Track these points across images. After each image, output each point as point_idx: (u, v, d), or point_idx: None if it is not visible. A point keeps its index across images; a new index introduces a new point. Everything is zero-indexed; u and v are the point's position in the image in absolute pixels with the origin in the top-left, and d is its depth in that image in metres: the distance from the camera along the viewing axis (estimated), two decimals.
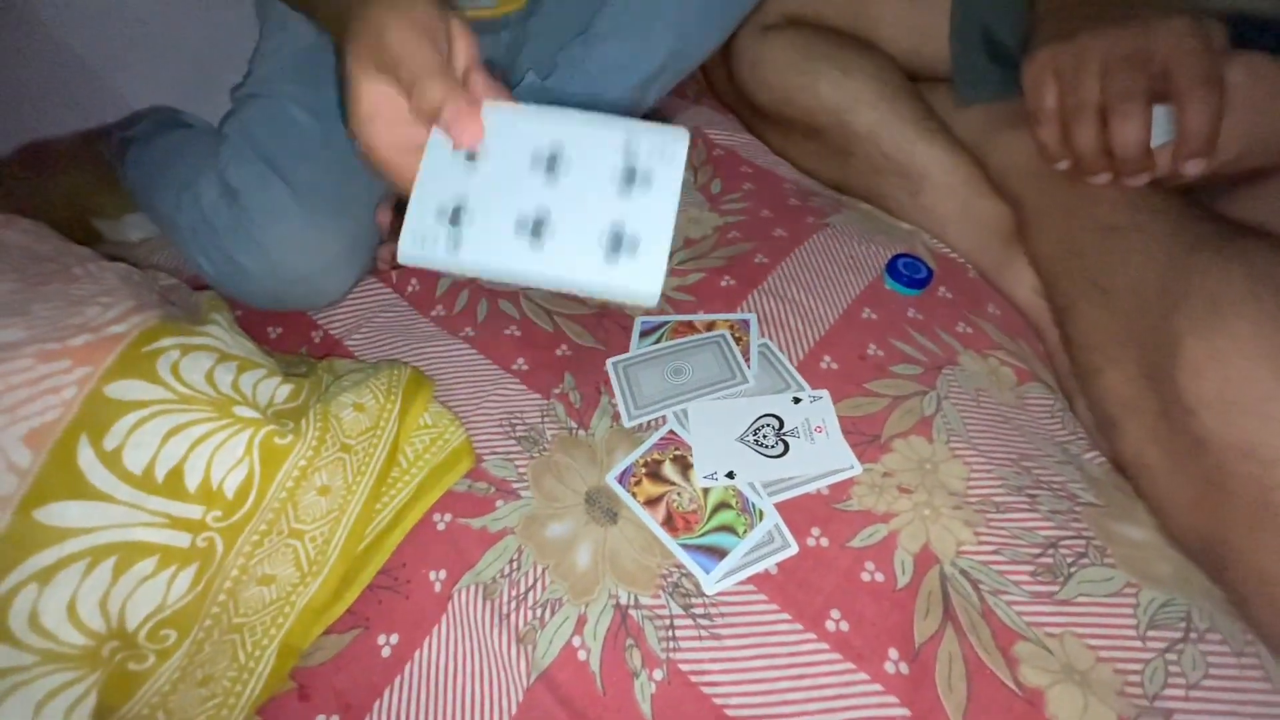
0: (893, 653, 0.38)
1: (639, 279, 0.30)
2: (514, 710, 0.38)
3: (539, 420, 0.49)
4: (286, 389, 0.39)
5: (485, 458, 0.47)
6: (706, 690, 0.37)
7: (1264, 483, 0.34)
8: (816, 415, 0.48)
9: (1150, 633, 0.38)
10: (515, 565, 0.42)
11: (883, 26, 0.64)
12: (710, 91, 0.80)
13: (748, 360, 0.51)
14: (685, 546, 0.42)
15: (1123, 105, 0.44)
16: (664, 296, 0.56)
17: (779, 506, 0.44)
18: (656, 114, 0.74)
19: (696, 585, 0.41)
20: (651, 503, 0.44)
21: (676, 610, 0.40)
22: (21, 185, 0.65)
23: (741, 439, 0.46)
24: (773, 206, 0.65)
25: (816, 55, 0.64)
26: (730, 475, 0.44)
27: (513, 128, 0.32)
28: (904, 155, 0.60)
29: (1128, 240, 0.46)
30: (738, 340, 0.52)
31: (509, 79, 0.69)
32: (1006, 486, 0.44)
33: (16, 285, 0.36)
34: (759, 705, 0.37)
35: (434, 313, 0.57)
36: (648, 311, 0.55)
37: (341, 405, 0.40)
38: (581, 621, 0.40)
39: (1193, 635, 0.37)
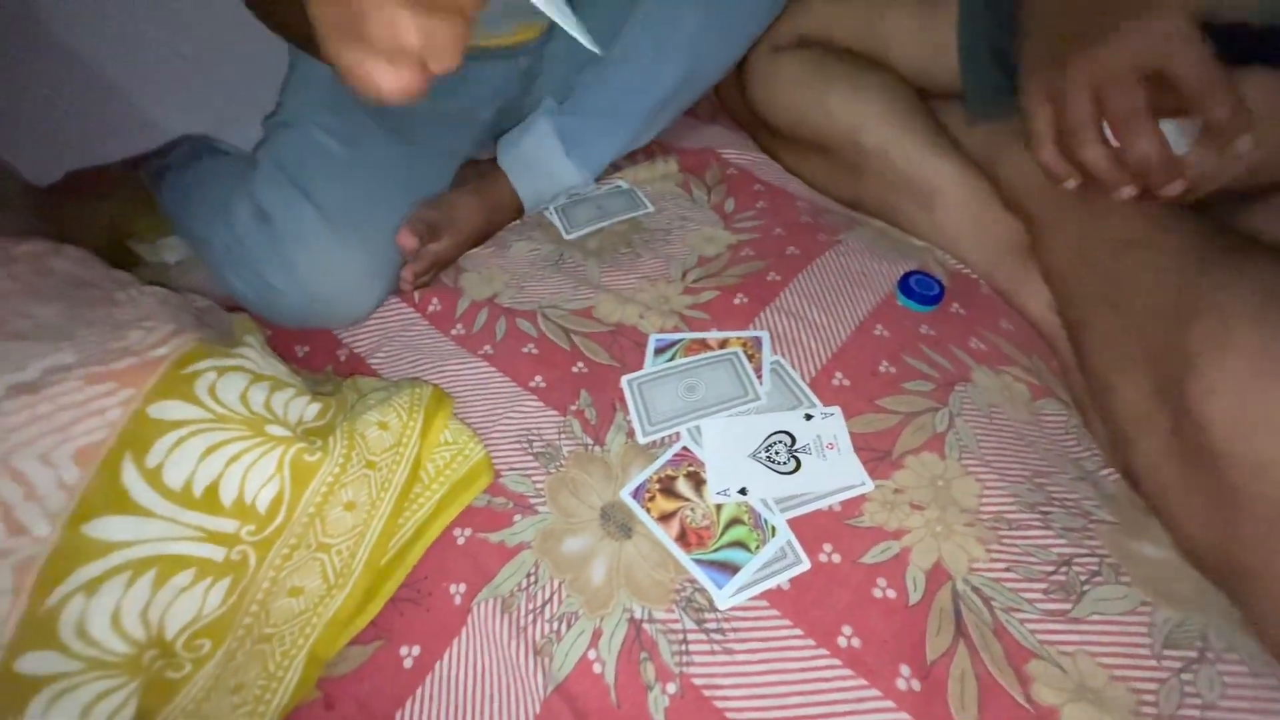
0: (904, 669, 0.38)
1: None
2: None
3: (556, 436, 0.50)
4: (315, 408, 0.41)
5: (503, 473, 0.48)
6: (719, 704, 0.38)
7: (1276, 501, 0.34)
8: (828, 432, 0.48)
9: (1166, 652, 0.37)
10: (532, 579, 0.43)
11: (892, 45, 0.65)
12: (723, 110, 0.82)
13: (760, 377, 0.52)
14: (698, 562, 0.43)
15: (1128, 124, 0.44)
16: (678, 314, 0.57)
17: (791, 522, 0.44)
18: (671, 133, 0.76)
19: (709, 600, 0.41)
20: (665, 518, 0.45)
21: (690, 625, 0.41)
22: (66, 211, 0.68)
23: (754, 455, 0.47)
24: (785, 224, 0.66)
25: (828, 74, 0.65)
26: (743, 491, 0.45)
27: None
28: (916, 171, 0.61)
29: (1140, 256, 0.46)
30: (750, 357, 0.53)
31: (524, 103, 0.71)
32: (1020, 503, 0.44)
33: (64, 310, 0.39)
34: None
35: (454, 331, 0.58)
36: (662, 329, 0.56)
37: (367, 424, 0.42)
38: (597, 635, 0.41)
39: (1209, 655, 0.37)
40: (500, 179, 0.67)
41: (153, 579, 0.32)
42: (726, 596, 0.41)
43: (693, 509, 0.45)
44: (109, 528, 0.31)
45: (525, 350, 0.56)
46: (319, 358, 0.58)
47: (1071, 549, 0.42)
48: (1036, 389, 0.52)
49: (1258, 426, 0.35)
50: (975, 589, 0.41)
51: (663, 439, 0.49)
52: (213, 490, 0.34)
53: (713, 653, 0.40)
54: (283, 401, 0.39)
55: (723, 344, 0.55)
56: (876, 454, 0.47)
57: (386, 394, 0.46)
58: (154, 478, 0.33)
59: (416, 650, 0.42)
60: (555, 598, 0.42)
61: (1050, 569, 0.41)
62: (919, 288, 0.57)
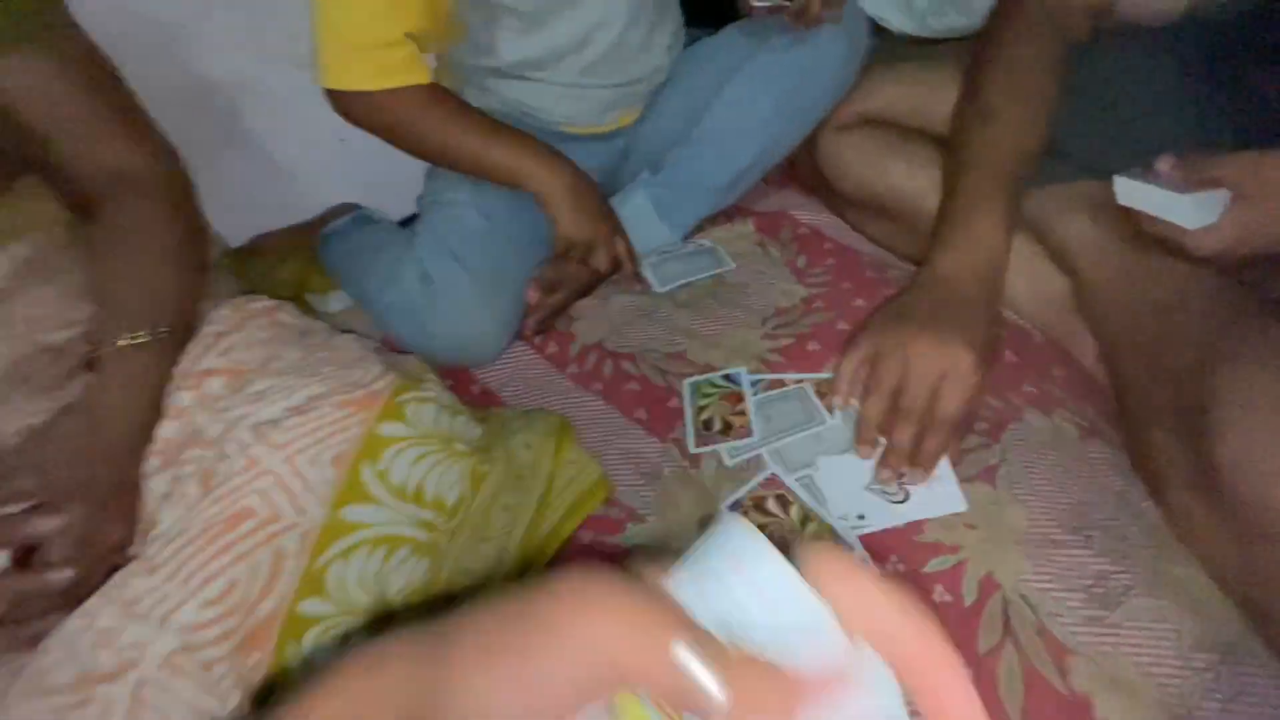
0: None
1: None
2: None
3: (658, 459, 0.60)
4: (479, 430, 0.53)
5: (617, 488, 0.58)
6: None
7: None
8: None
9: (1191, 655, 0.43)
10: None
11: (943, 121, 0.74)
12: (794, 177, 0.92)
13: (831, 411, 0.61)
14: None
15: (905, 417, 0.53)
16: (758, 358, 0.67)
17: (861, 538, 0.52)
18: (747, 197, 0.87)
19: None
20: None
21: None
22: (255, 271, 0.84)
23: (869, 488, 0.55)
24: (852, 279, 0.75)
25: (889, 150, 0.74)
26: (861, 517, 0.53)
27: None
28: None
29: (1176, 320, 0.52)
30: (821, 395, 0.62)
31: (622, 172, 0.84)
32: (1064, 528, 0.51)
33: (303, 354, 0.52)
34: None
35: (569, 370, 0.70)
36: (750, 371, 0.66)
37: (517, 444, 0.53)
38: None
39: (1230, 660, 0.43)
40: None
41: (385, 552, 0.43)
42: None
43: (780, 524, 0.54)
44: (356, 513, 0.43)
45: (629, 388, 0.67)
46: (459, 390, 0.71)
47: (1110, 567, 0.48)
48: (1085, 430, 0.58)
49: (1264, 473, 0.40)
50: (1022, 596, 0.48)
51: (748, 463, 0.58)
52: (420, 488, 0.46)
53: None
54: (460, 424, 0.51)
55: (798, 384, 0.64)
56: None
57: (527, 420, 0.57)
58: (383, 477, 0.44)
59: None
60: None
61: (1089, 582, 0.48)
62: None
